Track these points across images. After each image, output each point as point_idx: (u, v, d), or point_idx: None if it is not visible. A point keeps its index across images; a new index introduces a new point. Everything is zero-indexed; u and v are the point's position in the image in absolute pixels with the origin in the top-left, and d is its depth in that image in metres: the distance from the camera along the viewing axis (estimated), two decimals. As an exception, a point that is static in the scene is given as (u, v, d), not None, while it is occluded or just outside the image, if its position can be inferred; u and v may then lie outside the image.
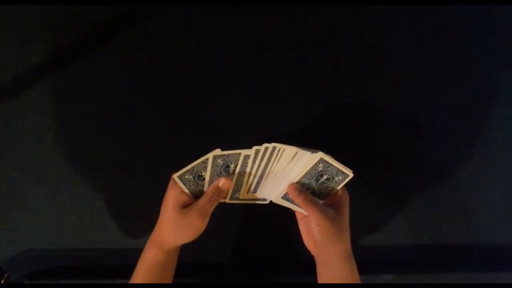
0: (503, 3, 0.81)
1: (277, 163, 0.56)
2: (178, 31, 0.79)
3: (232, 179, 0.58)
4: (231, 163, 0.57)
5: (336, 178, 0.56)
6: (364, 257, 0.80)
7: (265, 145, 0.55)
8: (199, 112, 0.79)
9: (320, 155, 0.53)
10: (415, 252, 0.81)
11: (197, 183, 0.58)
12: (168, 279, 0.61)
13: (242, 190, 0.60)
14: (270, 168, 0.57)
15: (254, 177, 0.58)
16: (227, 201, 0.61)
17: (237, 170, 0.57)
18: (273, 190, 0.59)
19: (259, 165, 0.57)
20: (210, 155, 0.55)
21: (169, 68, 0.79)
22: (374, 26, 0.81)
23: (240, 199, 0.61)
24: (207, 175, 0.57)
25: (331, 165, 0.54)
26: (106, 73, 0.78)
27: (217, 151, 0.55)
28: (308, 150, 0.54)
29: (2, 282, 0.74)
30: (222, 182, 0.57)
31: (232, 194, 0.60)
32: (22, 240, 0.78)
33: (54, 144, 0.77)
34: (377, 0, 0.80)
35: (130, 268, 0.75)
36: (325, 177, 0.56)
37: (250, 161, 0.56)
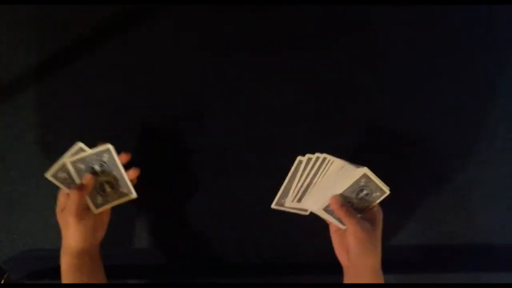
0: (503, 3, 0.81)
1: (324, 174, 0.59)
2: (178, 31, 0.79)
3: (96, 178, 0.60)
4: (92, 165, 0.59)
5: (374, 194, 0.59)
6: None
7: (317, 154, 0.58)
8: (199, 113, 0.79)
9: (364, 170, 0.56)
10: (415, 252, 0.81)
11: (73, 180, 0.60)
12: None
13: (288, 198, 0.63)
14: (318, 179, 0.60)
15: (302, 186, 0.61)
16: (273, 206, 0.63)
17: (288, 175, 0.60)
18: (316, 200, 0.61)
19: (308, 174, 0.60)
20: (67, 164, 0.58)
21: (169, 68, 0.79)
22: (374, 27, 0.81)
23: (284, 206, 0.64)
24: (74, 177, 0.60)
25: (372, 181, 0.57)
26: (106, 73, 0.78)
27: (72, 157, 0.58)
28: (353, 164, 0.58)
29: (2, 282, 0.74)
30: (85, 177, 0.60)
31: (279, 199, 0.63)
32: (22, 240, 0.78)
33: (54, 144, 0.77)
34: (377, 1, 0.80)
35: (130, 268, 0.75)
36: (365, 192, 0.59)
37: (301, 168, 0.59)
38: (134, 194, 0.63)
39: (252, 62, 0.79)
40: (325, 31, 0.80)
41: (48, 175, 0.57)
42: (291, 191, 0.61)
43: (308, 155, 0.58)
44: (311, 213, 0.63)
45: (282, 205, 0.63)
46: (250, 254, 0.80)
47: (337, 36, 0.80)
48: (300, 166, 0.59)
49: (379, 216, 0.60)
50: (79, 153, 0.57)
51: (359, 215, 0.59)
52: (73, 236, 0.59)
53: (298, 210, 0.64)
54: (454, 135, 0.81)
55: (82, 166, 0.58)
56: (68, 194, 0.59)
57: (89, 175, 0.60)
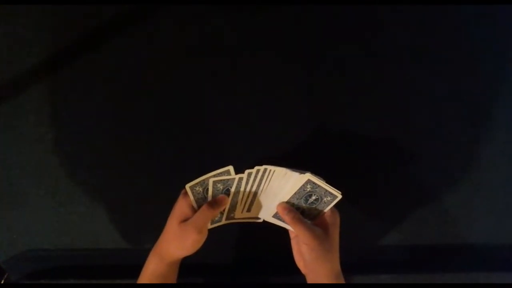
0: (504, 3, 0.81)
1: (268, 183, 0.58)
2: (178, 32, 0.79)
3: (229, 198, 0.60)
4: (230, 187, 0.58)
5: (325, 199, 0.57)
6: (364, 258, 0.81)
7: (256, 167, 0.56)
8: (198, 114, 0.79)
9: (307, 176, 0.54)
10: (415, 252, 0.81)
11: (205, 197, 0.59)
12: None
13: (236, 210, 0.62)
14: (262, 188, 0.59)
15: (248, 197, 0.60)
16: (223, 221, 0.62)
17: (232, 191, 0.59)
18: (265, 209, 0.61)
19: (251, 186, 0.59)
20: (210, 181, 0.57)
21: (168, 68, 0.79)
22: (373, 27, 0.81)
23: (235, 218, 0.63)
24: (209, 194, 0.59)
25: (319, 186, 0.55)
26: (106, 73, 0.78)
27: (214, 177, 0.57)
28: (296, 171, 0.56)
29: (2, 282, 0.74)
30: (221, 198, 0.59)
31: (227, 214, 0.61)
32: (22, 240, 0.78)
33: (54, 144, 0.77)
34: (376, 1, 0.80)
35: (129, 268, 0.75)
36: (313, 197, 0.57)
37: (243, 183, 0.58)
38: (260, 219, 0.63)
39: (251, 62, 0.79)
40: (325, 31, 0.80)
41: (188, 186, 0.57)
42: (238, 205, 0.61)
43: (247, 171, 0.56)
44: None
45: (233, 218, 0.62)
46: (249, 254, 0.81)
47: (337, 37, 0.80)
48: (241, 181, 0.57)
49: (334, 220, 0.57)
50: (224, 175, 0.57)
51: (311, 221, 0.58)
52: (181, 247, 0.57)
53: (250, 219, 0.63)
54: (453, 136, 0.81)
55: (221, 187, 0.58)
56: (193, 207, 0.58)
57: (225, 197, 0.59)
